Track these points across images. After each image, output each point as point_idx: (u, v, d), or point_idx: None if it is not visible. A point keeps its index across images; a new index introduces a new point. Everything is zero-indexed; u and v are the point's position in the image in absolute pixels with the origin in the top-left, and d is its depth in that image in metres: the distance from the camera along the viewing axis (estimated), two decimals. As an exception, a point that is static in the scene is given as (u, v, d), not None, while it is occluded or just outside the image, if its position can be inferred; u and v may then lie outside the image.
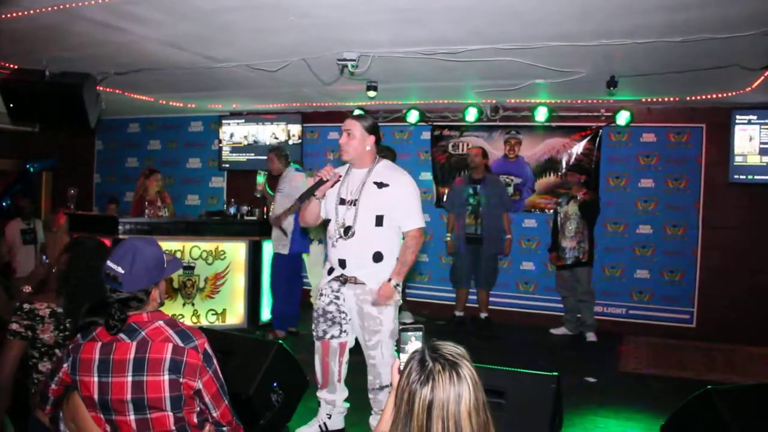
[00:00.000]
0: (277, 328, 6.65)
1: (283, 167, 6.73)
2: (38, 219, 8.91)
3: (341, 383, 4.02)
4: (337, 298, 3.88)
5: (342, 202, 3.85)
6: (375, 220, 3.77)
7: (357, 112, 7.97)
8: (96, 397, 2.30)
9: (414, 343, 1.82)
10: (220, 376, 2.45)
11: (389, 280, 3.78)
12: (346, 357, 3.99)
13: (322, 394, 4.06)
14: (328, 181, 3.76)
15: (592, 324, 7.14)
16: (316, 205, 3.89)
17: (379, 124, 8.29)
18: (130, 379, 2.27)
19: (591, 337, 7.10)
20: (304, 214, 3.98)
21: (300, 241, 6.61)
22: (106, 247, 3.40)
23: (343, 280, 3.86)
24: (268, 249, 7.12)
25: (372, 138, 3.86)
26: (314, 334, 3.98)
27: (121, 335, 2.33)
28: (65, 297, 3.08)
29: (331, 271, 3.93)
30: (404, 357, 1.79)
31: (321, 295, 3.95)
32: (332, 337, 3.91)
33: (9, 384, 3.06)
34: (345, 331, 3.92)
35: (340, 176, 3.91)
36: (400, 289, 3.85)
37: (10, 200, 9.34)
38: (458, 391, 1.63)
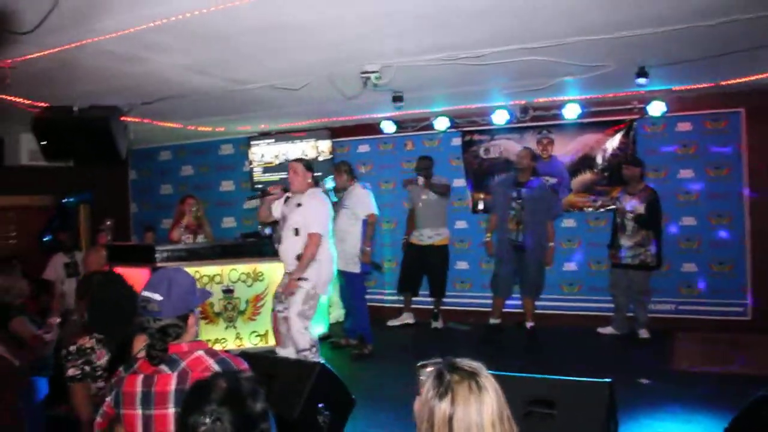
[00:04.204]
0: (369, 342, 6.75)
1: (347, 182, 6.80)
2: (79, 251, 9.05)
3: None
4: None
5: (283, 219, 5.44)
6: (294, 231, 5.28)
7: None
8: (140, 430, 2.27)
9: None
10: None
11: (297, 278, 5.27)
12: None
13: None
14: (273, 195, 5.53)
15: (645, 321, 6.96)
16: (264, 209, 5.64)
17: (409, 133, 8.33)
18: (172, 411, 2.24)
19: (644, 333, 6.92)
20: (258, 213, 5.80)
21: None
22: (115, 275, 3.55)
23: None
24: (305, 267, 7.10)
25: (309, 174, 5.46)
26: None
27: (162, 366, 2.32)
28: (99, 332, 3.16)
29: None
30: None
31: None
32: (278, 311, 5.40)
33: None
34: (287, 308, 5.29)
35: (286, 196, 5.53)
36: (305, 282, 5.25)
37: (51, 235, 9.49)
38: (480, 401, 1.56)
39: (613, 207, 7.30)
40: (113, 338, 3.17)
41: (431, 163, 7.77)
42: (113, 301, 3.25)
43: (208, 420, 1.68)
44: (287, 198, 5.51)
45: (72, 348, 3.17)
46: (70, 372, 3.13)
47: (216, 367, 2.29)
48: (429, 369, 1.70)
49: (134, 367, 2.37)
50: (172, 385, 2.26)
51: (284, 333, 5.38)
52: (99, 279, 3.53)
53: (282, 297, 5.37)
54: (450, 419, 1.54)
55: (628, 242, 6.89)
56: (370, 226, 6.65)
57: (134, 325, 3.25)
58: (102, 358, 3.17)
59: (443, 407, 1.55)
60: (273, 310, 5.53)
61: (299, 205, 5.32)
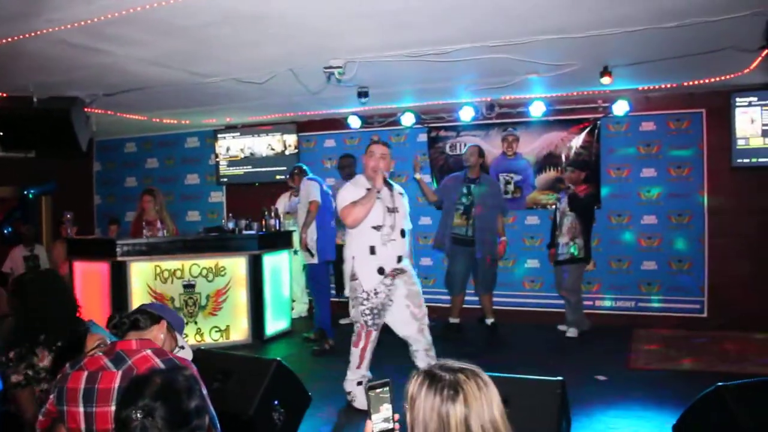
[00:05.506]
0: (330, 337, 6.63)
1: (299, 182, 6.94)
2: (40, 244, 8.89)
3: None
4: (390, 291, 4.63)
5: (389, 210, 4.64)
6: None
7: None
8: (83, 427, 2.26)
9: (384, 402, 1.69)
10: (209, 405, 2.37)
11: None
12: None
13: (363, 373, 4.71)
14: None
15: (572, 320, 7.02)
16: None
17: (375, 128, 8.31)
18: (114, 408, 2.21)
19: (571, 333, 6.99)
20: (365, 211, 4.52)
21: (325, 249, 6.64)
22: (48, 273, 3.54)
23: (398, 273, 4.64)
24: (268, 263, 7.07)
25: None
26: (374, 325, 4.63)
27: (108, 363, 2.32)
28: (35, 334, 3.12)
29: (381, 270, 4.57)
30: (376, 417, 1.67)
31: (376, 293, 4.57)
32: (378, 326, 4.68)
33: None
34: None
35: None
36: None
37: (11, 227, 9.31)
38: (489, 396, 1.56)
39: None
40: (54, 338, 3.10)
41: (353, 162, 7.44)
42: (46, 302, 3.17)
43: (139, 415, 1.66)
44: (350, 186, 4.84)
45: (11, 354, 3.08)
46: (13, 379, 3.03)
47: (162, 367, 2.27)
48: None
49: (80, 363, 2.35)
50: (116, 383, 2.25)
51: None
52: (30, 280, 3.41)
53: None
54: (466, 419, 1.52)
55: (564, 239, 6.94)
56: (309, 213, 6.52)
57: (72, 324, 3.22)
58: (44, 360, 3.09)
59: (458, 409, 1.53)
60: (377, 328, 4.72)
61: (402, 194, 4.87)
